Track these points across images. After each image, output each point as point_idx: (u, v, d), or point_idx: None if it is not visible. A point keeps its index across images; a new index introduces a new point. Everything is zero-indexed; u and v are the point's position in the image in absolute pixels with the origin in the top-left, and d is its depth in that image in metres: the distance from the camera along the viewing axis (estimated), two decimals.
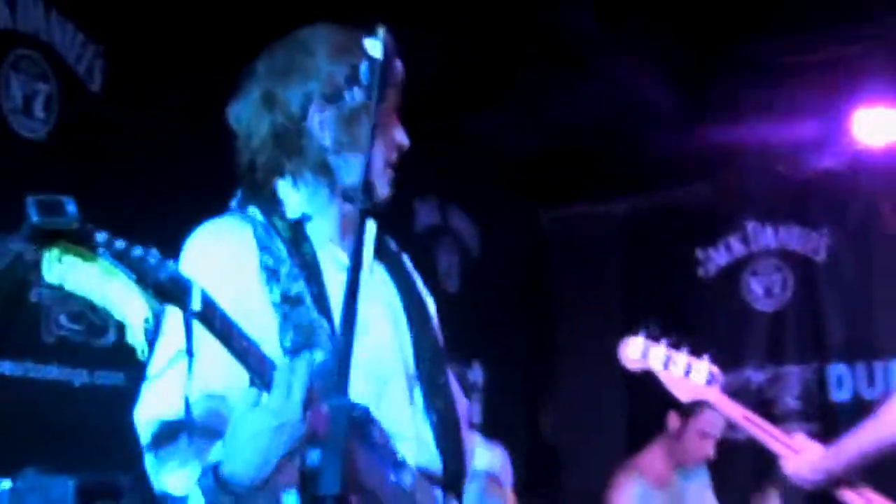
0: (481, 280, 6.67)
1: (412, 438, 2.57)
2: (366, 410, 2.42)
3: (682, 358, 4.04)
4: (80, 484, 3.08)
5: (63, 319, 3.97)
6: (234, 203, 2.59)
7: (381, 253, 2.72)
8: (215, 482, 2.19)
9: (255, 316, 2.38)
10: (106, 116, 4.29)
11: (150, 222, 4.10)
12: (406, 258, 2.85)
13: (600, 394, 6.21)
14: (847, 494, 3.90)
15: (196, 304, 2.08)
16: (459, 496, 2.70)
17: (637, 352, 4.03)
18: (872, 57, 5.89)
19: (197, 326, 2.11)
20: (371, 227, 2.63)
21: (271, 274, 2.46)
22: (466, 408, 2.90)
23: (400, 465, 2.47)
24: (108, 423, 3.97)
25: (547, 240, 7.10)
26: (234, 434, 2.20)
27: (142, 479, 3.32)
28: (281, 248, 2.51)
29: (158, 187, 4.42)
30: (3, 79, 4.01)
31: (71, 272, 2.00)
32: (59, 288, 2.02)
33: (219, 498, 2.20)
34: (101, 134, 4.25)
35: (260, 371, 2.18)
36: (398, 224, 2.87)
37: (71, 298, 2.14)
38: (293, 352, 2.37)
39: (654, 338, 4.05)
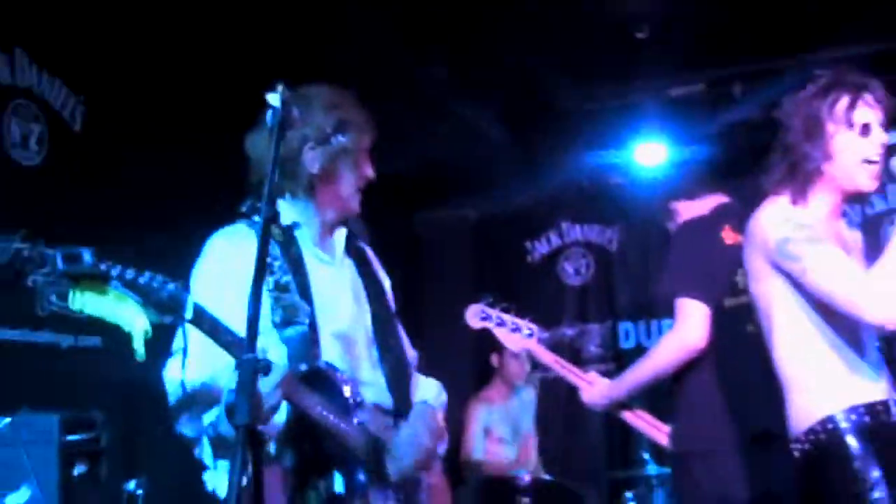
0: None
1: (371, 384, 2.62)
2: (331, 366, 2.49)
3: (510, 319, 4.06)
4: (63, 419, 3.06)
5: (53, 298, 3.88)
6: (244, 209, 2.58)
7: (349, 250, 2.76)
8: (215, 435, 2.32)
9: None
10: (84, 149, 4.25)
11: (119, 230, 4.09)
12: (370, 252, 2.89)
13: (456, 346, 6.16)
14: (626, 414, 3.93)
15: (188, 314, 2.15)
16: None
17: (478, 315, 4.06)
18: (647, 107, 6.00)
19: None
20: (342, 232, 2.73)
21: (267, 267, 2.41)
22: (414, 357, 2.95)
23: (359, 404, 2.50)
24: (89, 376, 3.97)
25: (418, 236, 7.07)
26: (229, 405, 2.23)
27: (112, 416, 3.33)
28: (276, 248, 2.52)
29: (123, 202, 4.34)
30: (5, 122, 3.95)
31: (90, 302, 2.07)
32: (80, 312, 2.08)
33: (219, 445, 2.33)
34: (81, 162, 4.21)
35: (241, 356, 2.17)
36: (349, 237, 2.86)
37: (58, 283, 2.17)
38: (280, 325, 2.46)
39: (491, 305, 4.08)
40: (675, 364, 3.58)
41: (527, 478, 5.04)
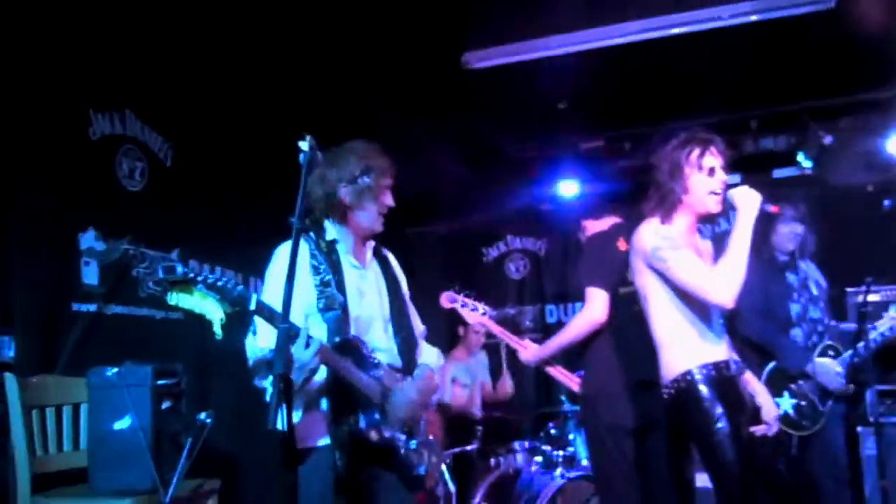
0: None
1: (386, 350, 2.63)
2: (357, 338, 2.51)
3: (471, 301, 4.04)
4: (155, 369, 3.02)
5: (150, 284, 3.83)
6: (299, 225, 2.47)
7: (376, 255, 2.77)
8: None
9: (306, 291, 2.49)
10: (174, 179, 4.18)
11: (200, 240, 4.19)
12: (391, 257, 2.87)
13: (433, 321, 5.93)
14: (549, 368, 3.92)
15: (252, 306, 2.18)
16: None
17: (449, 299, 4.03)
18: (565, 155, 5.99)
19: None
20: (371, 244, 2.73)
21: (315, 270, 2.52)
22: (423, 331, 2.93)
23: (376, 365, 2.52)
24: (174, 340, 3.89)
25: (407, 245, 7.01)
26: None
27: (189, 368, 3.27)
28: (321, 257, 2.54)
29: (202, 219, 4.30)
30: (117, 160, 3.87)
31: (182, 299, 2.12)
32: (175, 305, 2.13)
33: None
34: (171, 189, 4.14)
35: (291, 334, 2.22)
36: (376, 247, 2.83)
37: (154, 273, 2.13)
38: (322, 310, 2.48)
39: (458, 292, 4.05)
40: (584, 334, 3.57)
41: (479, 413, 5.01)
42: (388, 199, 2.66)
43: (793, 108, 5.44)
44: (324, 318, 2.47)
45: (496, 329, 4.01)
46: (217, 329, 2.11)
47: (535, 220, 6.62)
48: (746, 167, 5.59)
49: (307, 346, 2.22)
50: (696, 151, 2.85)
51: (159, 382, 2.98)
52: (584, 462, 4.52)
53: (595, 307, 3.52)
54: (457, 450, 4.82)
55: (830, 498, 3.95)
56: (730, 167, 2.92)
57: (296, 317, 2.36)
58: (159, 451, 2.91)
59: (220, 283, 2.12)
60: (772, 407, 3.19)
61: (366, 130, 5.22)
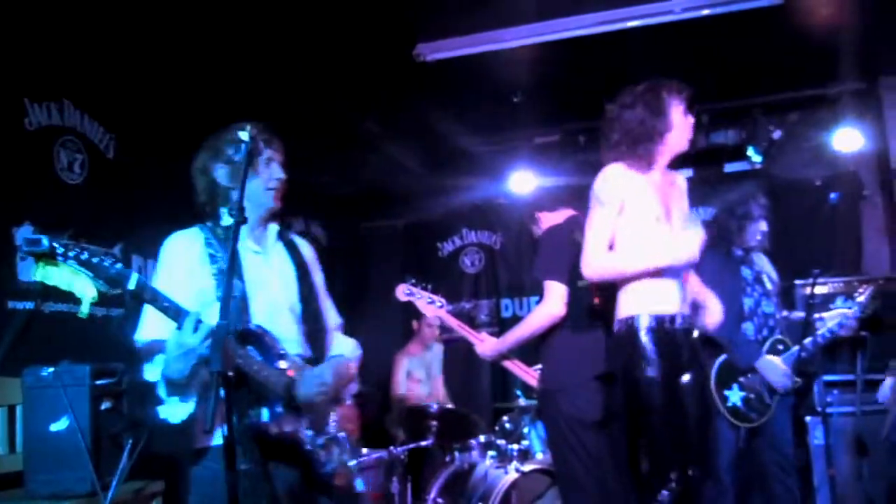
0: (328, 261, 6.54)
1: (293, 339, 2.43)
2: (260, 327, 2.31)
3: (427, 294, 3.99)
4: (93, 368, 2.90)
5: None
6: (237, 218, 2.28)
7: (281, 237, 2.56)
8: (164, 379, 2.17)
9: (202, 279, 2.33)
10: (116, 172, 4.03)
11: (140, 231, 3.97)
12: (300, 242, 2.65)
13: (390, 315, 6.04)
14: (506, 363, 3.88)
15: (132, 286, 2.00)
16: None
17: (404, 291, 3.97)
18: (520, 149, 5.95)
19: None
20: (273, 227, 2.53)
21: (212, 258, 2.35)
22: (338, 323, 2.71)
23: (282, 355, 2.33)
24: (115, 338, 3.74)
25: (363, 239, 6.93)
26: (167, 356, 2.13)
27: (130, 367, 3.13)
28: (218, 245, 2.37)
29: (150, 211, 4.15)
30: (55, 152, 3.72)
31: (49, 274, 1.94)
32: (40, 281, 1.94)
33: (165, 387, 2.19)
34: (113, 181, 3.99)
35: (178, 319, 2.09)
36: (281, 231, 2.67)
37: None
38: (221, 299, 2.18)
39: (414, 284, 3.99)
40: (543, 327, 3.54)
41: (435, 406, 4.94)
42: (276, 172, 2.45)
43: (744, 102, 5.47)
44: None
45: (453, 322, 3.95)
46: (84, 308, 1.94)
47: (491, 214, 6.58)
48: (698, 161, 5.63)
49: (195, 330, 2.06)
50: (675, 90, 2.89)
51: (98, 382, 2.86)
52: (539, 456, 4.51)
53: (553, 301, 3.48)
54: (412, 445, 4.75)
55: (778, 487, 3.97)
56: (682, 162, 2.94)
57: (188, 305, 2.19)
58: (99, 452, 2.80)
59: (94, 260, 1.95)
60: (717, 306, 3.22)
61: (317, 123, 5.25)
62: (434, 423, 4.78)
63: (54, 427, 2.79)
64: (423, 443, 4.76)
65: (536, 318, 3.56)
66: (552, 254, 3.54)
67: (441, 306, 3.93)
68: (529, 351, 3.78)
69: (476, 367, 5.93)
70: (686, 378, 2.91)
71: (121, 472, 2.59)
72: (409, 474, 4.68)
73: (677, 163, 3.03)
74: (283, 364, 2.30)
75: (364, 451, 4.66)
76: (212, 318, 2.18)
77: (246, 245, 2.43)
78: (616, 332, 2.95)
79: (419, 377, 5.69)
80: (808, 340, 3.87)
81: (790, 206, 5.56)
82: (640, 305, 2.89)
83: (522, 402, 4.77)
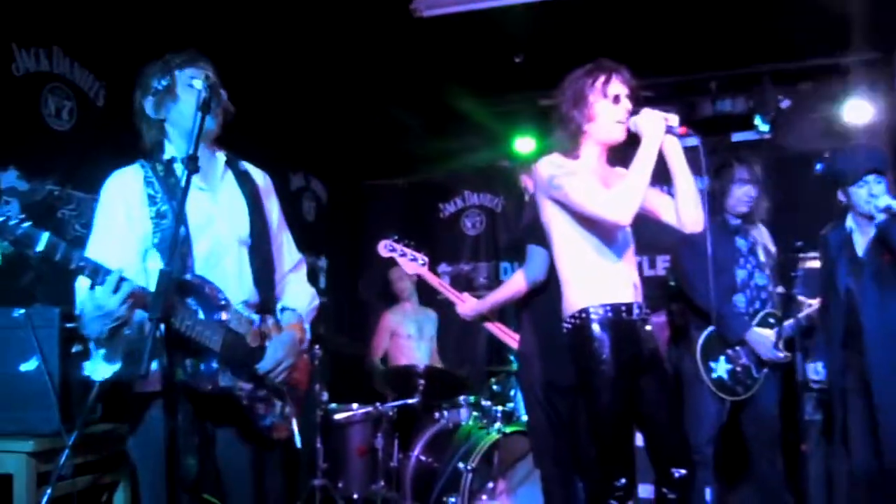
0: (328, 216, 6.44)
1: (240, 283, 2.29)
2: (200, 277, 2.19)
3: (409, 251, 3.99)
4: (64, 311, 2.90)
5: (77, 226, 3.71)
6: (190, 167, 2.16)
7: (230, 166, 2.39)
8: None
9: (140, 224, 2.21)
10: (105, 120, 4.01)
11: None
12: (254, 170, 2.47)
13: (382, 273, 5.94)
14: (489, 325, 3.88)
15: (40, 247, 1.88)
16: (273, 314, 2.38)
17: (386, 247, 3.97)
18: (523, 112, 5.87)
19: None
20: (221, 157, 2.38)
21: (151, 199, 2.23)
22: (297, 260, 2.56)
23: (224, 306, 2.20)
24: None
25: (364, 197, 6.85)
26: (85, 315, 2.06)
27: None
28: (158, 184, 2.24)
29: (129, 159, 4.16)
30: (43, 98, 3.72)
31: None
32: None
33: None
34: (102, 129, 3.96)
35: (96, 278, 1.96)
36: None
37: (82, 214, 1.99)
38: (158, 245, 2.19)
39: (396, 241, 3.98)
40: (523, 291, 3.54)
41: (422, 365, 4.96)
42: (197, 84, 2.17)
43: (752, 70, 5.33)
44: (161, 255, 2.16)
45: (433, 280, 3.94)
46: None
47: (493, 177, 6.51)
48: (704, 129, 5.50)
49: (116, 290, 1.93)
50: (602, 78, 2.78)
51: (68, 325, 2.87)
52: (524, 418, 4.51)
53: (534, 265, 3.46)
54: (399, 403, 4.77)
55: (762, 462, 3.94)
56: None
57: (128, 255, 2.15)
58: (68, 395, 2.83)
59: None
60: None
61: (317, 80, 5.21)
62: (421, 381, 4.80)
63: (24, 367, 2.83)
64: (410, 401, 4.79)
65: (517, 281, 3.55)
66: (537, 218, 3.50)
67: (423, 264, 3.92)
68: (511, 315, 3.79)
69: (472, 331, 5.89)
70: (647, 381, 2.76)
71: (86, 412, 2.61)
72: (396, 430, 4.72)
73: (632, 98, 2.84)
74: (223, 315, 2.19)
75: (353, 406, 4.72)
76: (150, 266, 2.17)
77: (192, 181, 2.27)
78: (568, 328, 2.78)
79: (409, 333, 5.63)
80: (788, 322, 3.80)
81: (797, 178, 5.43)
82: (591, 296, 2.73)
83: (514, 366, 4.77)
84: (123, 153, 3.97)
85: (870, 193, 3.58)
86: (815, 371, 3.76)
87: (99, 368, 2.13)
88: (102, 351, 2.11)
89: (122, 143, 4.00)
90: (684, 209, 2.80)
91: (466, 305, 3.80)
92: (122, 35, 4.05)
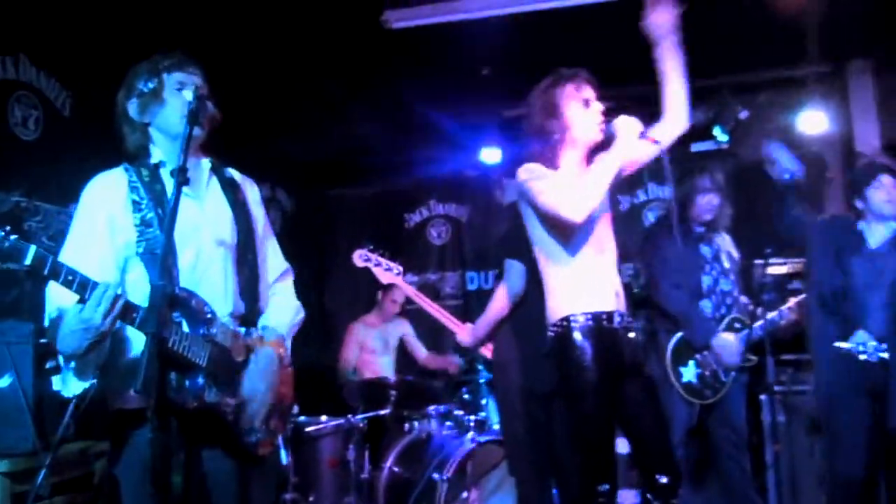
0: (294, 226, 6.39)
1: (227, 294, 2.21)
2: (186, 290, 2.11)
3: (384, 261, 3.98)
4: (38, 327, 2.85)
5: (44, 239, 3.62)
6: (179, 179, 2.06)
7: (217, 174, 2.32)
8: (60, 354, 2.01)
9: (123, 232, 2.12)
10: (71, 129, 3.96)
11: None
12: (239, 177, 2.39)
13: (354, 283, 5.98)
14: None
15: (27, 261, 1.82)
16: (256, 326, 2.29)
17: (361, 257, 3.96)
18: (489, 122, 5.94)
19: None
20: (206, 163, 2.31)
21: (136, 205, 2.14)
22: (282, 269, 2.49)
23: (210, 319, 2.12)
24: None
25: (329, 207, 6.83)
26: (63, 329, 1.95)
27: None
28: (143, 190, 2.15)
29: (96, 169, 4.11)
30: (10, 107, 3.65)
31: None
32: None
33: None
34: (67, 139, 3.91)
35: (83, 292, 1.88)
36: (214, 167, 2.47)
37: (49, 227, 1.93)
38: (143, 255, 2.10)
39: (371, 251, 3.98)
40: (508, 307, 3.53)
41: (393, 378, 4.95)
42: (187, 95, 2.14)
43: (713, 82, 5.47)
44: (145, 265, 2.08)
45: (409, 290, 3.96)
46: None
47: (459, 187, 6.55)
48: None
49: (111, 307, 1.86)
50: (570, 86, 2.85)
51: (42, 340, 2.80)
52: (496, 427, 4.53)
53: (513, 280, 3.49)
54: (370, 414, 4.75)
55: (731, 464, 4.01)
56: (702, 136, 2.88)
57: (106, 264, 2.05)
58: (42, 412, 2.76)
59: None
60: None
61: (284, 89, 5.18)
62: (393, 392, 4.79)
63: None
64: (382, 412, 4.77)
65: (500, 299, 3.56)
66: (510, 231, 3.53)
67: (398, 273, 3.93)
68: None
69: (441, 339, 5.89)
70: (631, 388, 2.77)
71: (62, 430, 2.54)
72: (366, 442, 4.69)
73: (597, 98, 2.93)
74: (210, 330, 2.12)
75: (323, 418, 4.67)
76: (131, 277, 2.10)
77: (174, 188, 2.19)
78: (552, 335, 2.79)
79: (373, 348, 5.63)
80: (757, 324, 3.88)
81: (755, 187, 5.57)
82: (573, 304, 2.74)
83: (484, 375, 4.78)
84: (89, 164, 3.97)
85: (888, 193, 3.71)
86: (862, 345, 3.65)
87: (70, 384, 2.05)
88: (73, 365, 2.01)
89: (88, 155, 4.01)
90: (677, 107, 2.91)
91: (466, 333, 3.80)
92: (89, 44, 3.99)
